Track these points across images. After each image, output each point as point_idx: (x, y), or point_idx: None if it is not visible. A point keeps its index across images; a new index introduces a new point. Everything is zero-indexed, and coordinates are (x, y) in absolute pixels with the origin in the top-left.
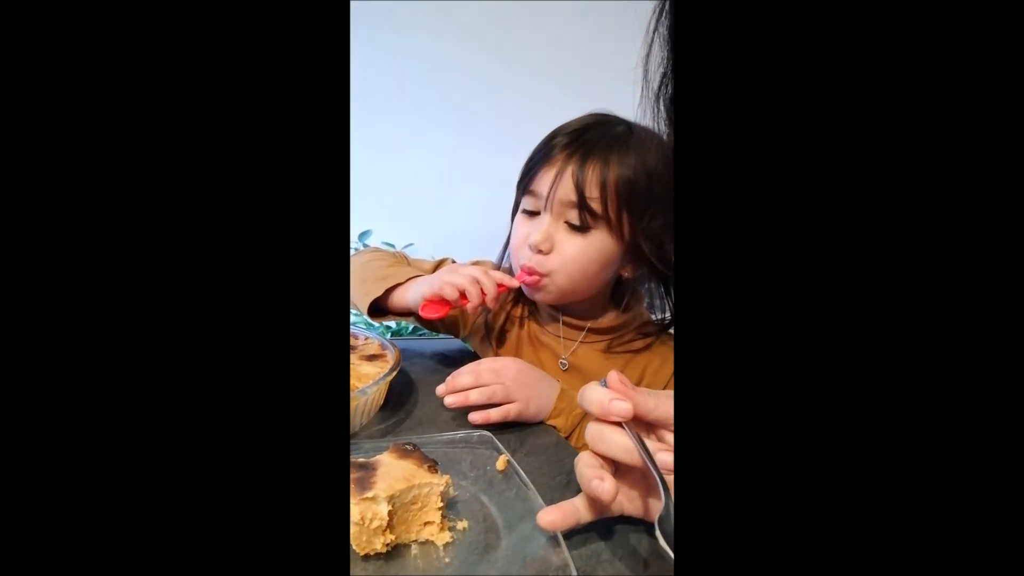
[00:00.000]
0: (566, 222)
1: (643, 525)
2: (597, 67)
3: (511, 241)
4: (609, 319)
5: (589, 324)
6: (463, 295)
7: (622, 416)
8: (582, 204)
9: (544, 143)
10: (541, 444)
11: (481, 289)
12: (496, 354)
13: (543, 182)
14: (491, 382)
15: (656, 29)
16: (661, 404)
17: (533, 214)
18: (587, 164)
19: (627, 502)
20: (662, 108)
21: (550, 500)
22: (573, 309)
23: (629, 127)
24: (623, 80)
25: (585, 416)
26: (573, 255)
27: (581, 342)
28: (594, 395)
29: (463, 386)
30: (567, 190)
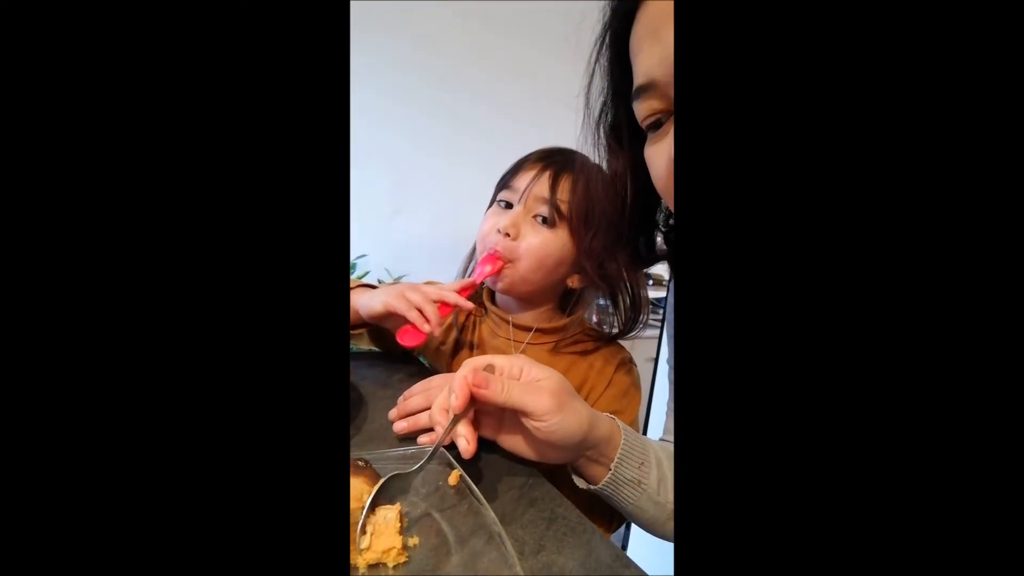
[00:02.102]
0: (535, 216)
1: (608, 546)
2: (543, 92)
3: (480, 230)
4: (555, 321)
5: (536, 325)
6: (419, 313)
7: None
8: (553, 202)
9: (521, 158)
10: (494, 459)
11: (444, 303)
12: (450, 363)
13: (522, 180)
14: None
15: (597, 60)
16: (512, 389)
17: (507, 206)
18: (561, 176)
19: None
20: (602, 135)
21: (502, 514)
22: (522, 311)
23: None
24: (568, 107)
25: None
26: (536, 245)
27: (529, 343)
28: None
29: (415, 408)
30: (543, 188)
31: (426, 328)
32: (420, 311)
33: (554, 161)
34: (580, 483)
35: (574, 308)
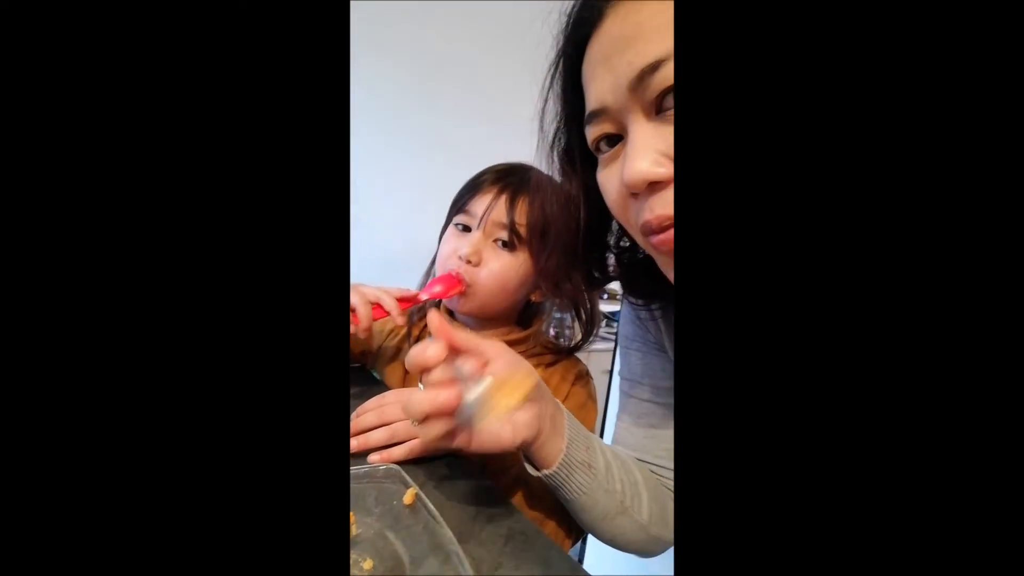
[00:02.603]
0: (495, 240)
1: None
2: (505, 106)
3: (439, 253)
4: (514, 334)
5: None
6: (352, 313)
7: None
8: (512, 227)
9: (476, 177)
10: (451, 475)
11: (379, 306)
12: (404, 377)
13: (479, 204)
14: (396, 418)
15: (551, 86)
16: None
17: (465, 229)
18: (518, 198)
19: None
20: (556, 159)
21: (458, 532)
22: (482, 330)
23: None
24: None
25: None
26: (498, 269)
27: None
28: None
29: (367, 426)
30: (501, 212)
31: (352, 328)
32: (353, 310)
33: (510, 183)
34: (532, 471)
35: (531, 322)
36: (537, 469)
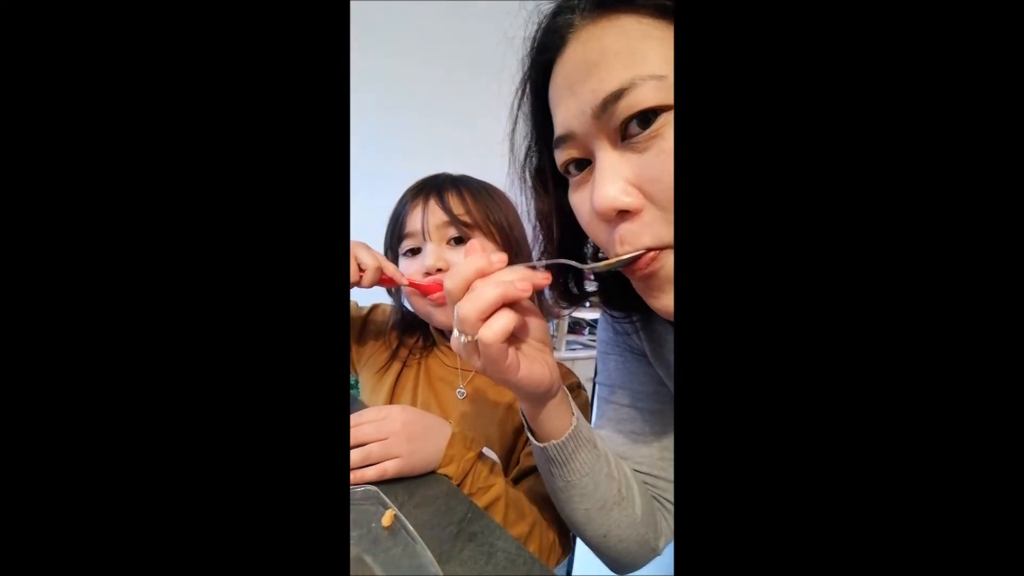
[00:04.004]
0: (447, 241)
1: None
2: (482, 123)
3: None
4: None
5: None
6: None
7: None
8: (456, 220)
9: (395, 209)
10: (431, 494)
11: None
12: (393, 392)
13: (414, 221)
14: (371, 438)
15: (520, 108)
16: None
17: (415, 252)
18: (444, 195)
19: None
20: (528, 179)
21: (439, 553)
22: None
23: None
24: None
25: (477, 461)
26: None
27: (477, 373)
28: (466, 261)
29: (364, 439)
30: (438, 216)
31: (354, 276)
32: (358, 262)
33: (427, 189)
34: (538, 444)
35: None
36: (541, 441)
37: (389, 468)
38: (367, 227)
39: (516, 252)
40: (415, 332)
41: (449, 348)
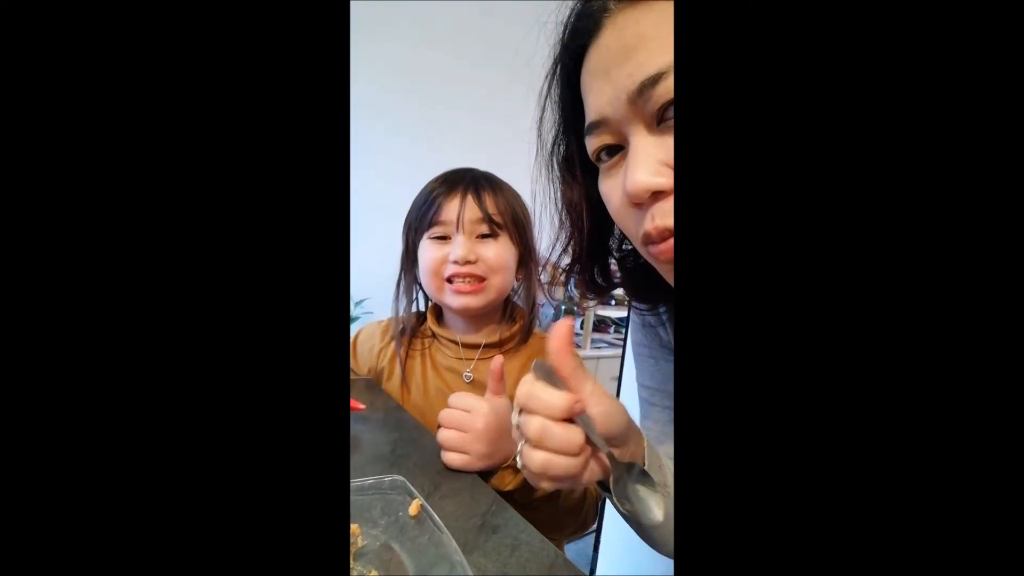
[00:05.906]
0: (477, 236)
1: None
2: (495, 120)
3: (423, 265)
4: (500, 332)
5: (484, 341)
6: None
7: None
8: (489, 218)
9: (428, 192)
10: (457, 486)
11: None
12: (405, 386)
13: (450, 212)
14: (453, 426)
15: (548, 95)
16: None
17: (443, 239)
18: (481, 192)
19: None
20: (556, 167)
21: (464, 543)
22: (470, 331)
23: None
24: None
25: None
26: (494, 257)
27: (479, 359)
28: (550, 399)
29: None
30: (474, 212)
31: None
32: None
33: (465, 184)
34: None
35: (514, 317)
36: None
37: (455, 461)
38: (371, 222)
39: (529, 251)
40: (415, 332)
41: (450, 341)
